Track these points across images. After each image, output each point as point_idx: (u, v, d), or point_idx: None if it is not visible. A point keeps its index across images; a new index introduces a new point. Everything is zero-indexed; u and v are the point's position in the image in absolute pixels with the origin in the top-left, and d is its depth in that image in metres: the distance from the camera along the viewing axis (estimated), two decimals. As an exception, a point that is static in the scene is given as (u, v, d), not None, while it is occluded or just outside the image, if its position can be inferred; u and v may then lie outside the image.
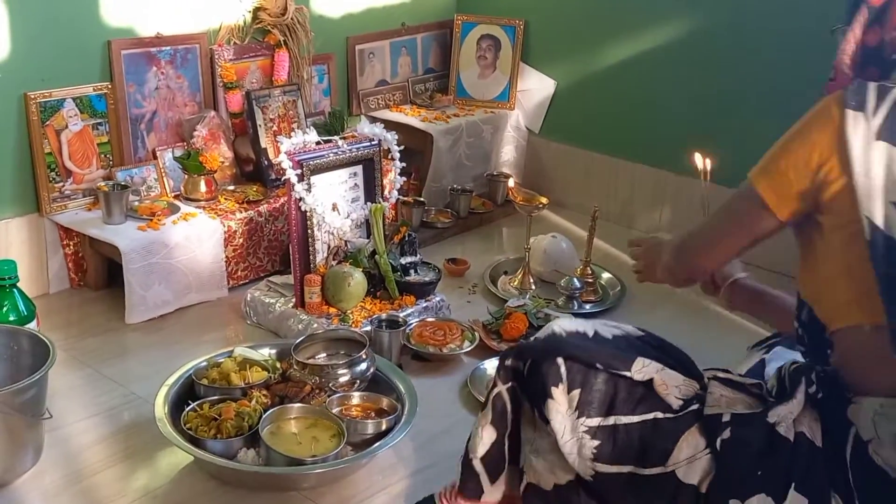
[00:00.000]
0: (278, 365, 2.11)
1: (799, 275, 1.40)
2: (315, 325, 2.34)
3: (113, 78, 2.62)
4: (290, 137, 2.42)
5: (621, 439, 1.37)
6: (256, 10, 2.91)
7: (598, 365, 1.39)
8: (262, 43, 2.96)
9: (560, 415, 1.39)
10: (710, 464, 1.33)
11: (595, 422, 1.38)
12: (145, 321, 2.48)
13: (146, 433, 1.98)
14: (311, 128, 2.50)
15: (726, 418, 1.35)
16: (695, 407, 1.38)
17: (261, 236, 2.71)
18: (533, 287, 2.76)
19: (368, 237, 2.54)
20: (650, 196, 3.26)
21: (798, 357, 1.49)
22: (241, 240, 2.65)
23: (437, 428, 2.07)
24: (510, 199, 2.89)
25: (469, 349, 2.37)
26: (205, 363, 2.10)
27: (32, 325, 2.11)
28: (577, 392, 1.38)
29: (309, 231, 2.41)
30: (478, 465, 1.49)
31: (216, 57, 2.83)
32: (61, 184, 2.57)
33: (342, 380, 2.04)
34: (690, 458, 1.34)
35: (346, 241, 2.51)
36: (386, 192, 2.61)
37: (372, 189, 2.58)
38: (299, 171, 2.36)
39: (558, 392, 1.39)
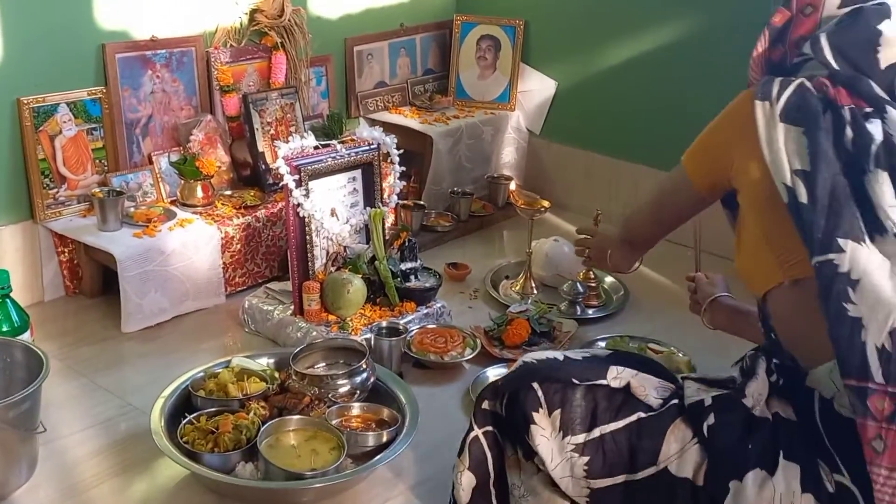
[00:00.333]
0: (277, 375, 2.07)
1: (735, 257, 1.53)
2: (314, 333, 2.30)
3: (107, 82, 2.59)
4: (287, 142, 2.39)
5: (609, 449, 1.40)
6: (253, 11, 2.87)
7: (573, 380, 1.44)
8: (259, 45, 2.92)
9: (545, 439, 1.42)
10: (700, 453, 1.36)
11: (581, 438, 1.41)
12: (141, 329, 2.45)
13: (142, 445, 1.94)
14: (309, 132, 2.47)
15: (708, 402, 1.40)
16: (675, 402, 1.43)
17: (258, 242, 2.67)
18: (535, 292, 2.72)
19: (368, 243, 2.51)
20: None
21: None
22: (238, 246, 2.62)
23: (439, 438, 2.03)
24: (511, 202, 2.85)
25: (471, 356, 2.33)
26: (202, 374, 2.06)
27: (26, 336, 2.08)
28: (557, 412, 1.42)
29: (307, 237, 2.38)
30: None
31: (212, 60, 2.80)
32: (55, 190, 2.53)
33: (342, 390, 2.01)
34: (680, 451, 1.37)
35: (345, 247, 2.48)
36: (385, 197, 2.58)
37: (371, 194, 2.54)
38: (297, 177, 2.33)
39: (539, 416, 1.42)
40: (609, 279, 2.82)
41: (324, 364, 2.14)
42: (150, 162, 2.70)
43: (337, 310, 2.36)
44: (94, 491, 1.85)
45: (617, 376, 1.45)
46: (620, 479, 1.40)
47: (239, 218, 2.63)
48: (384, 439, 1.90)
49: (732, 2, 2.93)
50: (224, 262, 2.59)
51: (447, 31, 3.54)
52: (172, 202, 2.69)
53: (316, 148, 2.42)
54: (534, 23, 3.44)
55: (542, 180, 3.48)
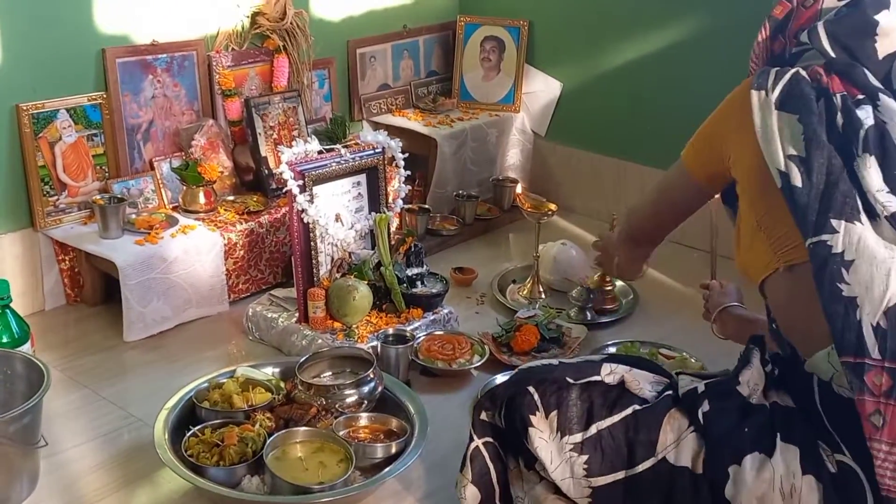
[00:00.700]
0: (282, 385, 2.03)
1: (735, 253, 1.54)
2: (319, 341, 2.26)
3: (108, 87, 2.55)
4: (290, 146, 2.35)
5: (607, 445, 1.41)
6: (255, 14, 2.84)
7: (568, 380, 1.46)
8: (261, 48, 2.89)
9: (544, 441, 1.43)
10: (697, 441, 1.37)
11: (578, 437, 1.43)
12: (144, 338, 2.41)
13: (146, 458, 1.91)
14: (313, 136, 2.44)
15: (701, 389, 1.42)
16: (669, 393, 1.45)
17: (262, 248, 2.64)
18: (543, 296, 2.68)
19: (373, 248, 2.47)
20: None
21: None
22: (241, 252, 2.58)
23: (449, 448, 1.99)
24: (517, 205, 2.82)
25: (479, 363, 2.30)
26: (206, 384, 2.02)
27: (27, 347, 2.04)
28: (554, 414, 1.44)
29: (312, 243, 2.34)
30: None
31: (214, 64, 2.76)
32: (56, 197, 2.49)
33: (349, 400, 1.97)
34: (677, 441, 1.38)
35: (350, 253, 2.44)
36: (390, 201, 2.54)
37: (376, 198, 2.51)
38: (301, 182, 2.29)
39: (537, 419, 1.44)
40: (619, 283, 2.78)
41: (330, 373, 2.11)
42: (152, 168, 2.66)
43: (342, 317, 2.33)
44: (97, 506, 1.82)
45: (611, 372, 1.47)
46: (620, 475, 1.40)
47: (242, 224, 2.60)
48: (393, 451, 1.87)
49: (738, 0, 2.89)
50: (227, 269, 2.55)
51: (450, 33, 3.50)
52: (174, 208, 2.65)
53: (320, 152, 2.39)
54: (538, 23, 3.40)
55: (548, 183, 3.44)
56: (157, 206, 2.65)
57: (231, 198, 2.74)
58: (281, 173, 2.30)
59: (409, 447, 1.87)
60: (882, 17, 1.42)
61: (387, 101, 3.35)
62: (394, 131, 2.95)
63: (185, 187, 2.62)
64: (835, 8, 1.46)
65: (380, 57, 3.31)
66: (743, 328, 1.83)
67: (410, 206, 2.99)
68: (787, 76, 1.41)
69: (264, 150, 2.79)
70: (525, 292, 2.71)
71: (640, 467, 1.39)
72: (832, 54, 1.42)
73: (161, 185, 2.66)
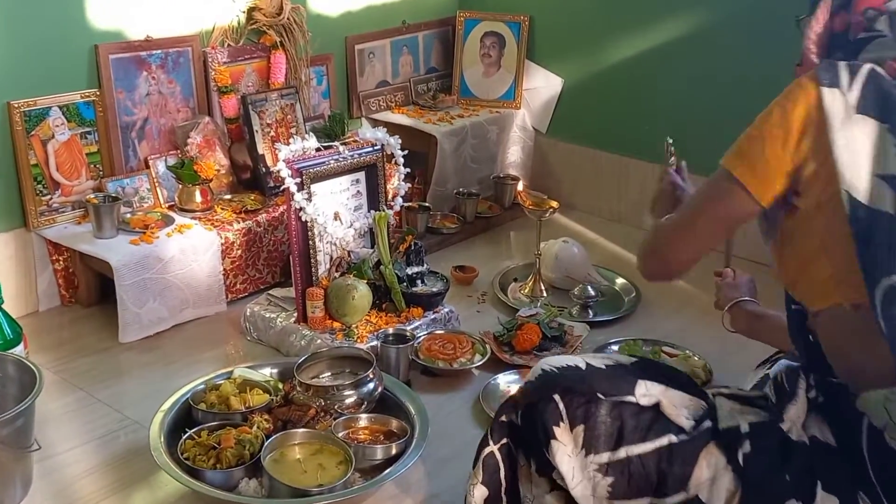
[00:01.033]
0: (280, 386, 2.00)
1: (776, 263, 1.37)
2: (318, 341, 2.23)
3: (101, 84, 2.51)
4: (288, 144, 2.32)
5: (636, 472, 1.31)
6: (251, 10, 2.80)
7: (598, 394, 1.33)
8: (258, 44, 2.85)
9: (566, 456, 1.33)
10: (734, 482, 1.27)
11: (605, 457, 1.32)
12: (140, 339, 2.37)
13: (141, 461, 1.87)
14: (311, 133, 2.40)
15: (745, 429, 1.31)
16: (708, 424, 1.33)
17: (260, 247, 2.60)
18: (544, 294, 2.65)
19: (372, 247, 2.44)
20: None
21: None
22: (239, 251, 2.54)
23: (450, 449, 1.97)
24: (518, 203, 2.78)
25: (480, 363, 2.26)
26: (203, 386, 1.99)
27: (19, 349, 2.01)
28: (580, 428, 1.33)
29: (310, 242, 2.31)
30: None
31: (209, 60, 2.72)
32: (49, 197, 2.46)
33: (348, 401, 1.94)
34: (712, 479, 1.28)
35: (349, 252, 2.40)
36: (389, 199, 2.50)
37: (375, 196, 2.47)
38: (299, 180, 2.26)
39: (561, 431, 1.33)
40: (620, 280, 2.75)
41: (329, 374, 2.08)
42: (147, 166, 2.63)
43: (342, 317, 2.29)
44: (91, 510, 1.78)
45: (646, 393, 1.34)
46: (645, 501, 1.32)
47: (239, 223, 2.56)
48: (393, 452, 1.84)
49: (742, -4, 2.86)
50: (224, 269, 2.52)
51: (450, 28, 3.47)
52: (170, 207, 2.61)
53: (318, 150, 2.35)
54: (539, 18, 3.36)
55: (549, 180, 3.41)
56: (153, 205, 2.61)
57: (228, 196, 2.71)
58: (278, 171, 2.27)
59: (410, 448, 1.84)
60: None
61: (386, 97, 3.32)
62: (393, 128, 2.92)
63: (180, 186, 2.59)
64: None
65: (379, 53, 3.27)
66: (755, 324, 1.79)
67: (410, 203, 2.96)
68: (864, 73, 1.22)
69: (261, 147, 2.75)
70: (526, 290, 2.67)
71: (669, 500, 1.30)
72: None
73: (156, 184, 2.63)
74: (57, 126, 2.44)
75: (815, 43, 1.35)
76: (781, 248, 1.36)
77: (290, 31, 2.84)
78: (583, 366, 1.39)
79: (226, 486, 1.73)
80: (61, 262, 2.49)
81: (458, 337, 2.32)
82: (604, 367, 1.40)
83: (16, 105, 2.36)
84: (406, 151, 2.50)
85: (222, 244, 2.50)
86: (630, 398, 1.33)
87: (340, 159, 2.37)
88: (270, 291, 2.49)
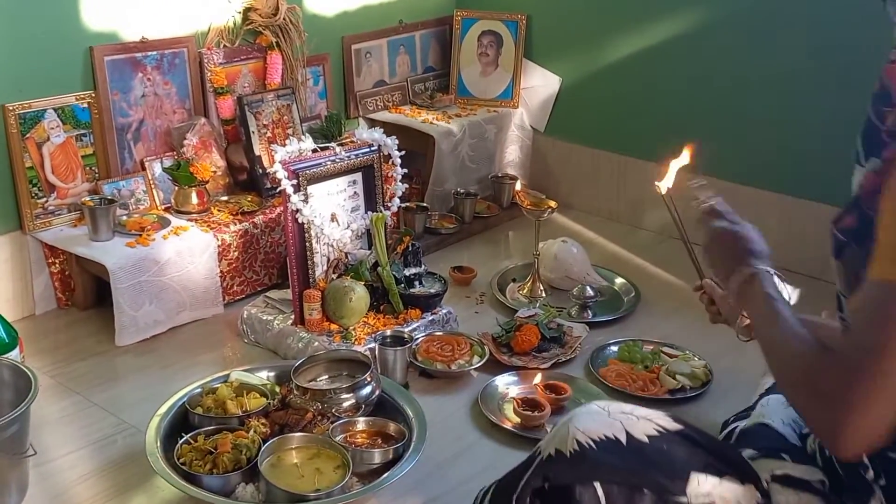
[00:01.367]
0: (277, 390, 1.99)
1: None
2: (316, 344, 2.22)
3: (96, 86, 2.50)
4: (284, 145, 2.30)
5: None
6: (246, 10, 2.79)
7: (644, 489, 1.17)
8: (254, 45, 2.84)
9: None
10: None
11: None
12: (136, 342, 2.36)
13: (138, 466, 1.86)
14: (307, 134, 2.39)
15: None
16: None
17: (257, 249, 2.59)
18: (543, 295, 2.64)
19: (370, 248, 2.42)
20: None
21: None
22: (235, 253, 2.53)
23: (448, 452, 1.96)
24: (517, 202, 2.77)
25: (479, 364, 2.25)
26: (199, 389, 1.98)
27: (15, 353, 2.00)
28: None
29: (307, 244, 2.29)
30: None
31: (205, 61, 2.71)
32: (44, 199, 2.44)
33: (346, 405, 1.92)
34: None
35: (346, 254, 2.39)
36: (387, 200, 2.49)
37: (372, 197, 2.46)
38: (295, 182, 2.24)
39: None
40: (619, 280, 2.73)
41: (326, 377, 2.06)
42: (143, 168, 2.61)
43: (339, 319, 2.28)
44: (87, 516, 1.77)
45: (699, 492, 1.17)
46: None
47: (236, 224, 2.55)
48: (391, 456, 1.82)
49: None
50: (221, 271, 2.50)
51: (447, 28, 3.45)
52: (166, 209, 2.60)
53: (314, 151, 2.34)
54: (536, 17, 3.35)
55: (548, 179, 3.39)
56: (149, 207, 2.60)
57: (224, 198, 2.69)
58: (275, 172, 2.25)
59: (408, 452, 1.83)
60: None
61: (383, 97, 3.30)
62: (390, 128, 2.90)
63: (177, 188, 2.57)
64: None
65: (375, 53, 3.26)
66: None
67: (408, 204, 2.94)
68: None
69: (258, 148, 2.74)
70: (525, 291, 2.66)
71: None
72: None
73: (152, 186, 2.61)
74: (52, 128, 2.43)
75: None
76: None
77: (286, 31, 2.83)
78: (623, 439, 1.21)
79: (223, 492, 1.72)
80: (57, 265, 2.47)
81: (457, 338, 2.30)
82: (647, 440, 1.21)
83: (10, 108, 2.34)
84: (403, 151, 2.49)
85: (219, 246, 2.48)
86: (682, 499, 1.17)
87: (337, 160, 2.36)
88: (267, 293, 2.47)
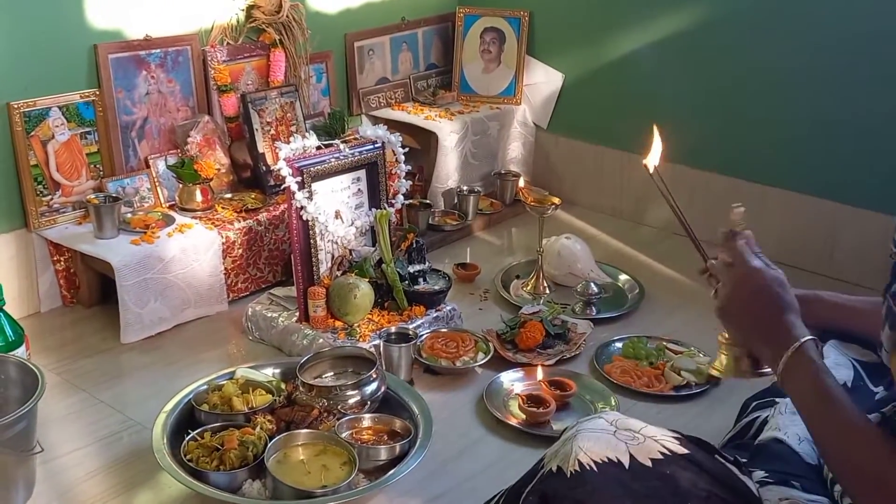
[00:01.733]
0: (283, 386, 1.99)
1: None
2: (321, 341, 2.22)
3: (100, 84, 2.50)
4: (288, 142, 2.31)
5: None
6: (250, 8, 2.78)
7: None
8: (257, 43, 2.84)
9: None
10: None
11: None
12: (142, 340, 2.36)
13: (144, 463, 1.87)
14: (311, 131, 2.39)
15: None
16: None
17: (261, 246, 2.59)
18: (547, 291, 2.64)
19: (374, 245, 2.42)
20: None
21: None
22: (240, 250, 2.53)
23: (454, 449, 1.96)
24: (520, 199, 2.77)
25: (484, 361, 2.25)
26: (205, 386, 1.98)
27: (21, 351, 2.00)
28: None
29: (311, 241, 2.29)
30: None
31: (209, 59, 2.71)
32: (49, 197, 2.45)
33: (351, 401, 1.92)
34: None
35: (350, 251, 2.39)
36: (390, 197, 2.49)
37: (376, 194, 2.46)
38: (299, 179, 2.24)
39: None
40: (623, 276, 2.73)
41: (332, 374, 2.07)
42: (147, 166, 2.61)
43: (344, 316, 2.28)
44: (94, 513, 1.77)
45: None
46: None
47: (240, 222, 2.55)
48: (397, 452, 1.83)
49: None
50: (225, 268, 2.51)
51: (450, 25, 3.45)
52: (171, 207, 2.60)
53: (318, 148, 2.34)
54: (539, 14, 3.35)
55: (551, 176, 3.39)
56: (153, 204, 2.60)
57: (228, 195, 2.69)
58: (279, 170, 2.25)
59: (414, 448, 1.83)
60: None
61: (386, 94, 3.30)
62: (393, 125, 2.91)
63: (181, 185, 2.58)
64: None
65: (378, 50, 3.26)
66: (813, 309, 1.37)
67: (411, 201, 2.94)
68: None
69: (262, 146, 2.74)
70: (529, 288, 2.66)
71: None
72: None
73: (157, 184, 2.62)
74: (57, 126, 2.43)
75: None
76: None
77: (289, 28, 2.83)
78: (626, 462, 1.17)
79: (229, 488, 1.72)
80: (62, 263, 2.48)
81: (461, 335, 2.31)
82: (650, 464, 1.17)
83: (15, 106, 2.34)
84: (406, 149, 2.49)
85: (223, 243, 2.49)
86: None
87: (341, 157, 2.36)
88: (272, 291, 2.47)
